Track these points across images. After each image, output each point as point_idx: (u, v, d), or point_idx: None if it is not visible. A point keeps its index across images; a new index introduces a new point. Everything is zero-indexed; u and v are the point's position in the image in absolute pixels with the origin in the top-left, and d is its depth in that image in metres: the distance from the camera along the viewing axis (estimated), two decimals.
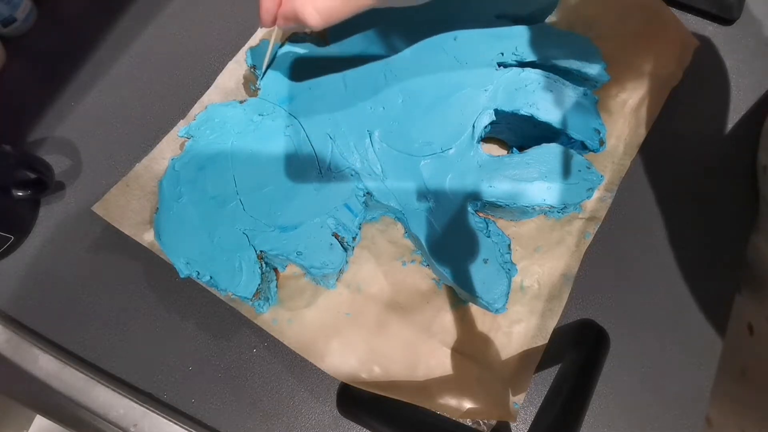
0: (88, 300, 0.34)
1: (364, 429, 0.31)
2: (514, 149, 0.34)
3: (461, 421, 0.30)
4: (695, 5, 0.41)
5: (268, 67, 0.34)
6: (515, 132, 0.35)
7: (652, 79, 0.36)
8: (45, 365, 0.32)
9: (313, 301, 0.32)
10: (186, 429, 0.31)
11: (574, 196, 0.31)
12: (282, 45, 0.35)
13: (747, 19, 0.41)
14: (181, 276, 0.29)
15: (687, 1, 0.40)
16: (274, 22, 0.28)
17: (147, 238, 0.33)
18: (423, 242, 0.30)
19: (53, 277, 0.35)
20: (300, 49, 0.35)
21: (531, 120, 0.32)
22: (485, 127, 0.32)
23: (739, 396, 0.33)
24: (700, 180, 0.37)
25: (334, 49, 0.35)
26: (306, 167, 0.32)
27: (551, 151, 0.32)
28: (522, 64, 0.33)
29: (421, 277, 0.33)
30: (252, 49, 0.35)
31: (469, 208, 0.31)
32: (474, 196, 0.31)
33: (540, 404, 0.29)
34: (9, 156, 0.32)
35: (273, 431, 0.31)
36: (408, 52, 0.34)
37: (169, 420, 0.31)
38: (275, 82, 0.34)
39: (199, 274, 0.29)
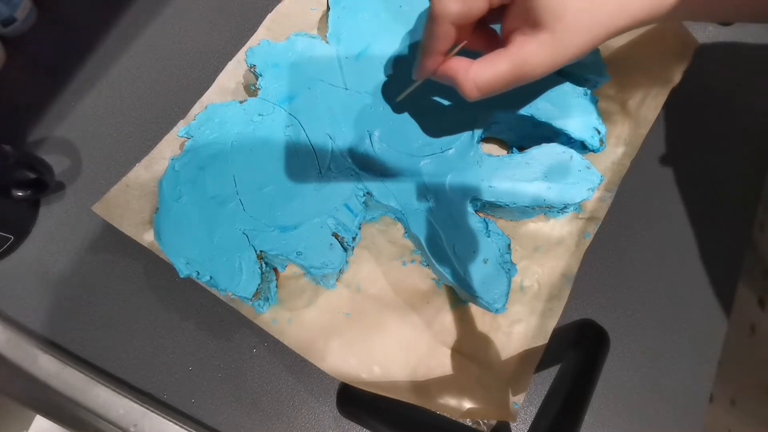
0: (88, 300, 0.34)
1: (364, 429, 0.31)
2: (514, 149, 0.34)
3: (461, 421, 0.30)
4: None
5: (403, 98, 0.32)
6: (515, 132, 0.35)
7: (652, 79, 0.36)
8: (45, 365, 0.32)
9: (313, 301, 0.32)
10: (186, 429, 0.31)
11: (574, 196, 0.31)
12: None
13: None
14: (181, 276, 0.29)
15: None
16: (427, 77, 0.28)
17: (147, 238, 0.33)
18: (423, 242, 0.30)
19: (53, 277, 0.35)
20: (300, 49, 0.35)
21: (531, 120, 0.32)
22: (485, 127, 0.32)
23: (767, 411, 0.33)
24: (701, 180, 0.37)
25: (334, 49, 0.35)
26: (306, 167, 0.32)
27: (551, 151, 0.32)
28: None
29: (421, 277, 0.33)
30: (252, 49, 0.35)
31: (469, 208, 0.31)
32: (474, 196, 0.31)
33: (540, 404, 0.29)
34: (9, 156, 0.32)
35: (273, 431, 0.32)
36: (408, 52, 0.34)
37: (169, 420, 0.31)
38: (275, 82, 0.34)
39: (199, 274, 0.29)
